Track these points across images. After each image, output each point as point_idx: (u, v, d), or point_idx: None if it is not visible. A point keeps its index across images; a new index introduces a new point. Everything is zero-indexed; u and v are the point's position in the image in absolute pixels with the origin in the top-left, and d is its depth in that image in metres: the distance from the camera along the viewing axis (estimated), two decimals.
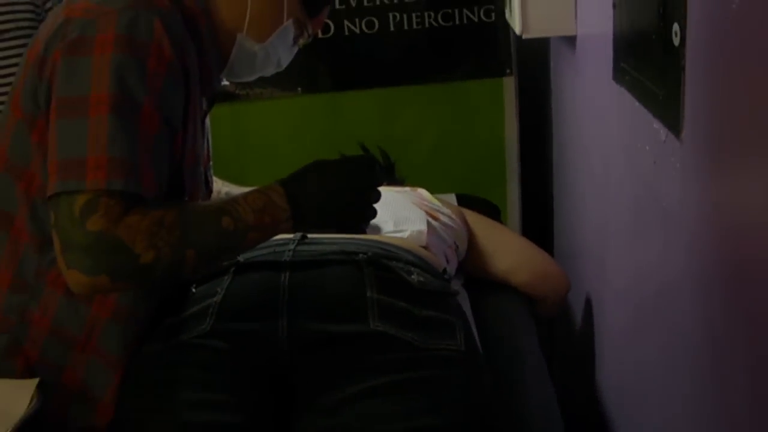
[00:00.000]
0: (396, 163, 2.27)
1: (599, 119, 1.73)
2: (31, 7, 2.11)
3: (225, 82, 1.51)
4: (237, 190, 1.70)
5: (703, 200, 1.07)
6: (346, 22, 2.64)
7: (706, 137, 1.04)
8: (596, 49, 1.72)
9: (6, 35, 2.08)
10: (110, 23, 1.19)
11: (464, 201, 2.24)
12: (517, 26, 2.05)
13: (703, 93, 1.04)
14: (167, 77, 1.21)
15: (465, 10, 2.64)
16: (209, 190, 1.50)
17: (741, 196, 0.94)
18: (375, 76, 2.70)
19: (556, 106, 2.43)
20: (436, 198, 1.89)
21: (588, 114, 1.90)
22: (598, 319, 1.86)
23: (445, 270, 1.60)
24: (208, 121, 1.48)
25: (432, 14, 2.64)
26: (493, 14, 2.63)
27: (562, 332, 2.30)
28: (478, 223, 1.93)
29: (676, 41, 1.09)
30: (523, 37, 2.03)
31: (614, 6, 1.49)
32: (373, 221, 1.37)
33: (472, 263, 1.88)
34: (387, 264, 1.39)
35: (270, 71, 1.48)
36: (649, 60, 1.25)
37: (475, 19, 2.64)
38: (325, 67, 2.70)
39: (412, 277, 1.39)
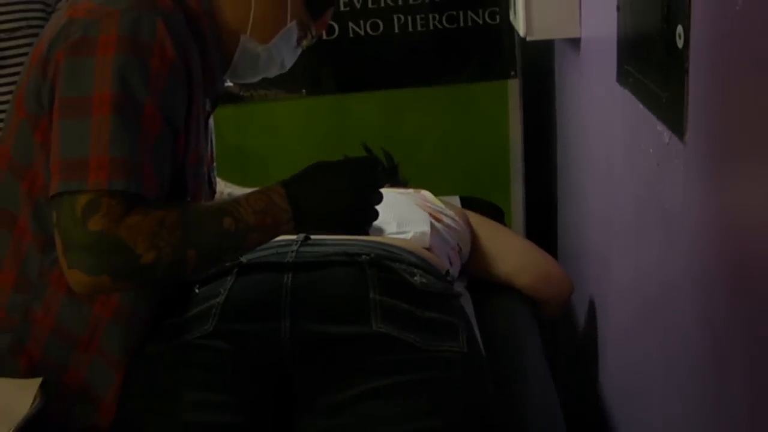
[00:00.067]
0: (400, 164, 2.27)
1: (603, 121, 1.73)
2: (42, 6, 2.11)
3: (228, 84, 1.51)
4: (240, 191, 1.70)
5: (706, 202, 1.06)
6: (350, 24, 2.64)
7: (710, 140, 1.04)
8: (600, 52, 1.72)
9: (17, 33, 2.07)
10: (113, 24, 1.19)
11: (468, 203, 2.24)
12: (521, 28, 2.05)
13: (706, 95, 1.04)
14: (170, 78, 1.21)
15: (469, 13, 2.64)
16: (212, 191, 1.50)
17: (744, 199, 0.94)
18: (379, 78, 2.70)
19: (560, 108, 2.42)
20: (440, 200, 1.89)
21: (592, 116, 1.90)
22: (601, 320, 1.86)
23: (448, 272, 1.60)
24: (211, 121, 1.48)
25: (437, 16, 2.64)
26: (497, 16, 2.62)
27: (565, 334, 2.30)
28: (482, 225, 1.93)
29: (680, 43, 1.09)
30: (528, 39, 2.03)
31: (618, 8, 1.48)
32: (376, 223, 1.37)
33: (475, 265, 1.88)
34: (390, 265, 1.39)
35: (273, 72, 1.48)
36: (652, 62, 1.25)
37: (480, 22, 2.64)
38: (329, 69, 2.70)
39: (415, 278, 1.39)
